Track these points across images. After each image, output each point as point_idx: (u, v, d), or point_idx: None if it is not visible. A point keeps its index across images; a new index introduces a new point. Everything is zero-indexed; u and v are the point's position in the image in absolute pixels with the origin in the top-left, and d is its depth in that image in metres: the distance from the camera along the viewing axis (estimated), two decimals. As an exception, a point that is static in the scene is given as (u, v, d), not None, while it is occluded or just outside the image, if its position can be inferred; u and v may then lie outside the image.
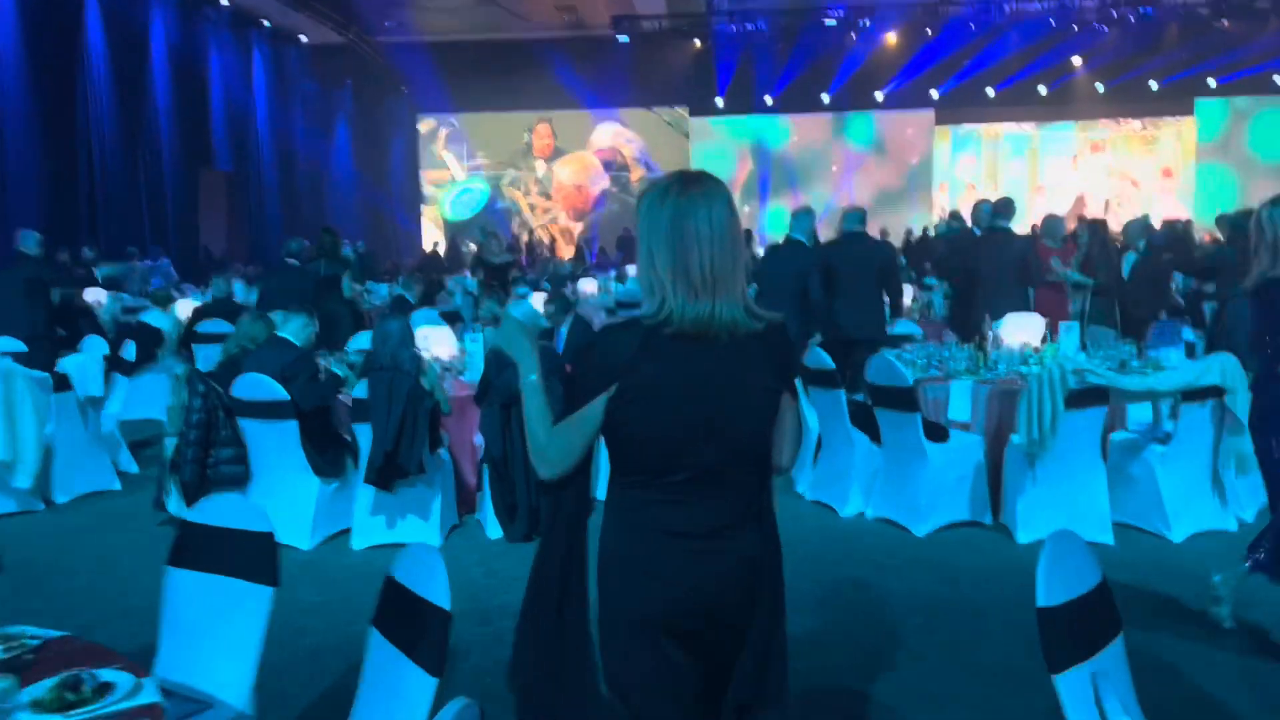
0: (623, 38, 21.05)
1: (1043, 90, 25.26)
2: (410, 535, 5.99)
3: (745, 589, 2.14)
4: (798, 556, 5.62)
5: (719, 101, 25.35)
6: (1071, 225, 12.54)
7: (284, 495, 6.05)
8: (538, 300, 10.43)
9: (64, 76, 15.04)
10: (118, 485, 7.49)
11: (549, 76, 23.40)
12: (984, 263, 7.97)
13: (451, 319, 10.84)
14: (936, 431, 6.03)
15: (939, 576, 5.30)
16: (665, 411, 2.05)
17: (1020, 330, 6.93)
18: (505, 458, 5.95)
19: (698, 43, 20.28)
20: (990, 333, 6.79)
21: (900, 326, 8.59)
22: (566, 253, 23.65)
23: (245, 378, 5.97)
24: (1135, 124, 26.06)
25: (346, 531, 6.10)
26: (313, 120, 22.47)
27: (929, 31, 19.44)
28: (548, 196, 26.69)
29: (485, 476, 6.11)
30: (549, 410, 2.13)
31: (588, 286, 13.83)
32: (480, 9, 20.98)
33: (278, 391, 5.88)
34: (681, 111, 25.89)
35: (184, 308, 11.67)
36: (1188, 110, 25.65)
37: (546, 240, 24.64)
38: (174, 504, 6.26)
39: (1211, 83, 24.82)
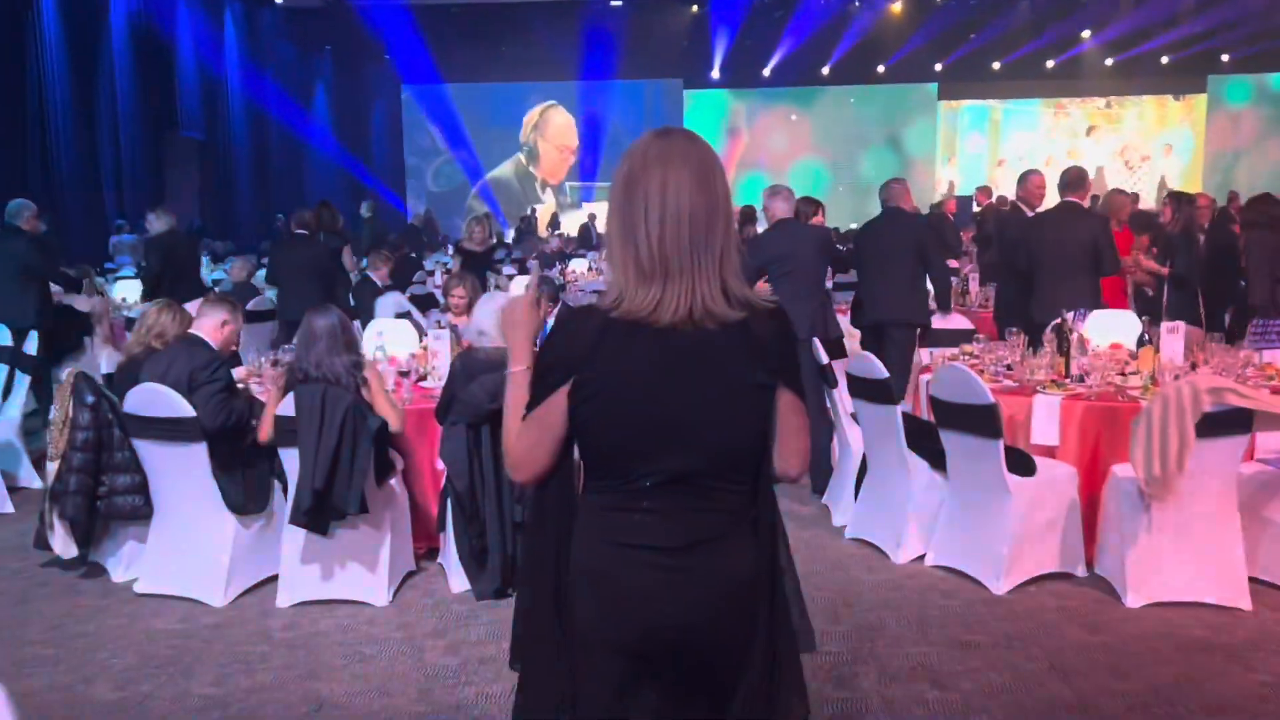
0: (616, 1, 19.43)
1: (1050, 64, 23.85)
2: (351, 589, 4.59)
3: (732, 617, 1.83)
4: (835, 617, 4.31)
5: (715, 74, 23.84)
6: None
7: (192, 537, 4.65)
8: (521, 285, 9.02)
9: (9, 32, 13.43)
10: (9, 507, 6.06)
11: (539, 44, 21.81)
12: (1047, 246, 6.55)
13: (428, 303, 9.41)
14: (1019, 460, 4.64)
15: (1032, 654, 3.92)
16: (624, 409, 1.78)
17: (1110, 330, 5.53)
18: (473, 491, 4.54)
19: (694, 8, 18.72)
20: (1068, 333, 5.38)
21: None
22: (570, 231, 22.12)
23: (139, 388, 4.54)
24: (1145, 99, 24.65)
25: (272, 582, 4.69)
26: (290, 87, 20.83)
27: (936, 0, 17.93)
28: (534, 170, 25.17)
29: (449, 513, 4.70)
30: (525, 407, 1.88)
31: (580, 267, 12.36)
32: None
33: (179, 405, 4.46)
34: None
35: (127, 289, 10.21)
36: (1200, 88, 24.26)
37: (546, 219, 23.01)
38: (60, 542, 4.85)
39: (1225, 58, 23.47)
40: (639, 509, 1.80)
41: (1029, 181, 7.07)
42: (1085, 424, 4.80)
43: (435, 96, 24.53)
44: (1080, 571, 4.70)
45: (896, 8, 20.36)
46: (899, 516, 5.00)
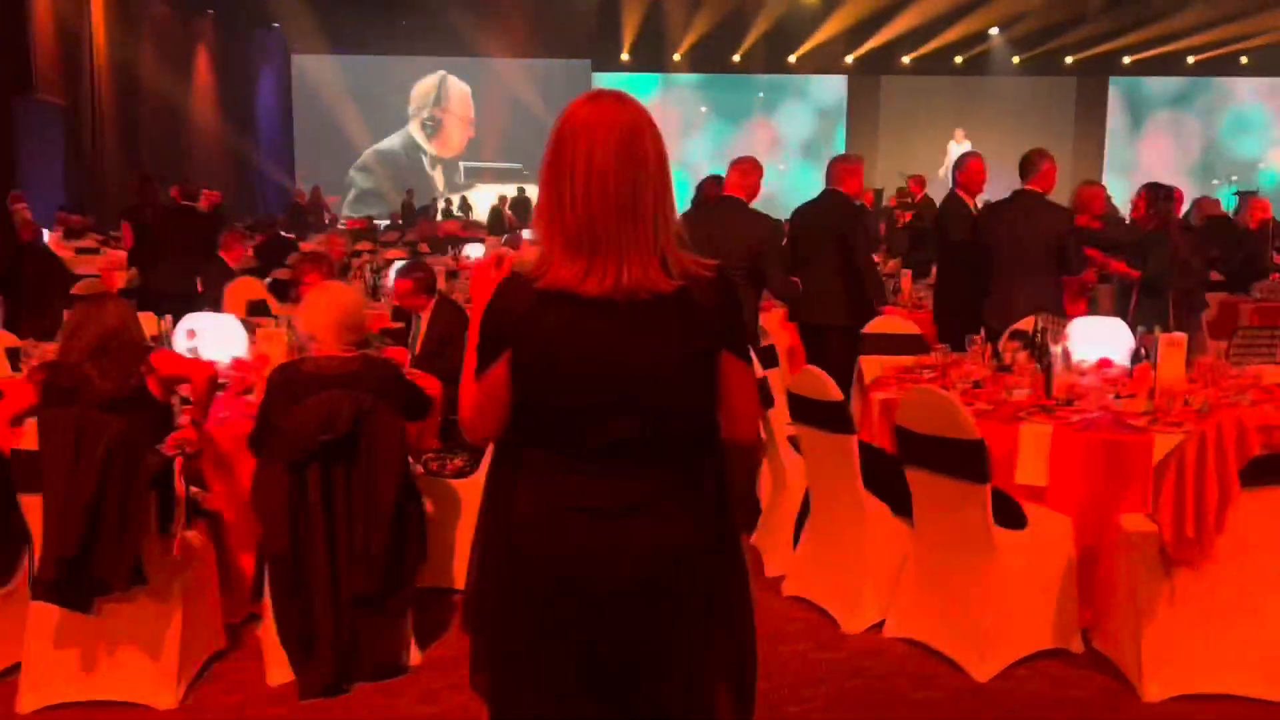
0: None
1: (959, 60, 23.29)
2: (125, 686, 3.31)
3: (669, 582, 1.75)
4: (773, 711, 3.16)
5: (625, 57, 22.64)
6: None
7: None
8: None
9: None
10: None
11: (439, 17, 20.28)
12: (1003, 241, 5.57)
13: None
14: (1007, 510, 3.60)
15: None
16: (559, 380, 1.71)
17: (1093, 341, 4.54)
18: (295, 555, 3.30)
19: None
20: (1049, 345, 4.36)
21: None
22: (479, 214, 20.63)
23: None
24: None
25: (14, 674, 3.36)
26: (166, 51, 18.90)
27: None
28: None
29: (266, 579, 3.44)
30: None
31: (477, 254, 11.03)
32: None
33: None
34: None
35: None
36: (1102, 88, 23.99)
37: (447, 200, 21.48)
38: None
39: (1126, 59, 23.22)
40: (579, 473, 1.76)
41: (967, 165, 6.07)
42: (1081, 461, 3.78)
43: (327, 68, 22.77)
44: (1076, 647, 3.67)
45: (810, -5, 19.47)
46: (852, 573, 3.91)
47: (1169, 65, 22.96)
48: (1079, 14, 20.78)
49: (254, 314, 6.72)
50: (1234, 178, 22.46)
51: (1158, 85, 23.97)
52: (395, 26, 20.94)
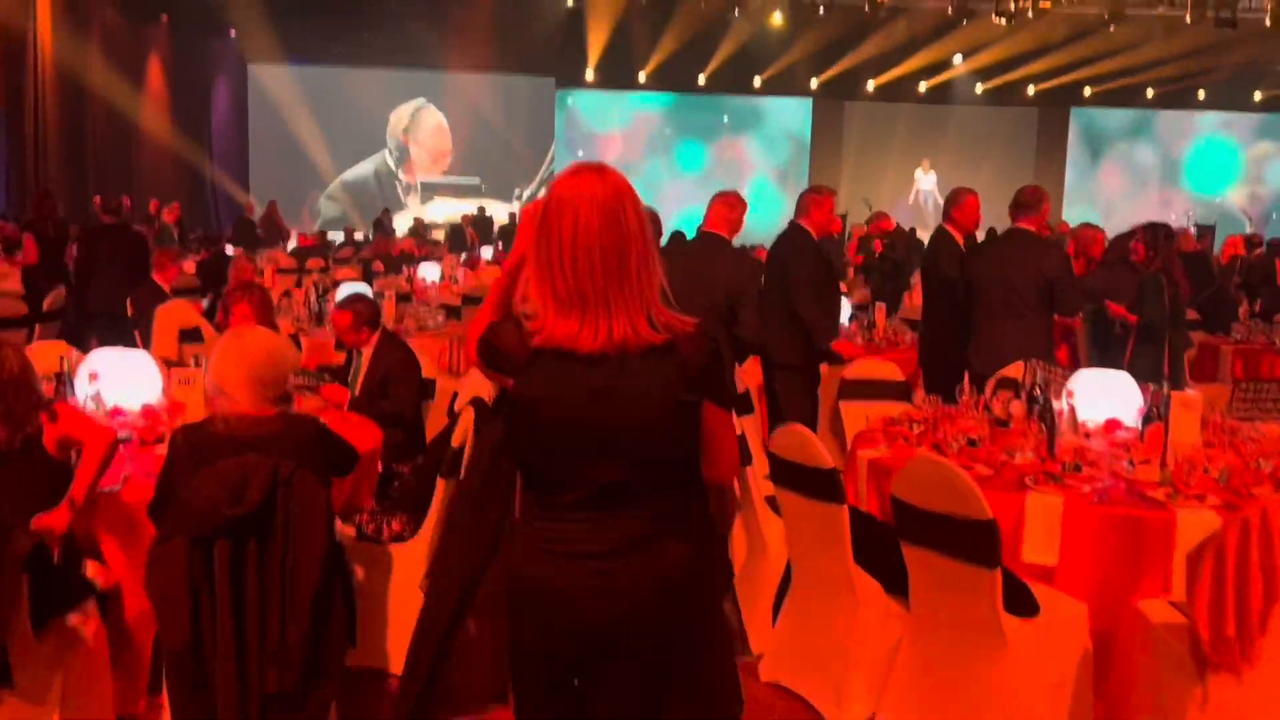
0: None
1: (923, 86, 23.15)
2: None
3: (663, 615, 1.86)
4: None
5: (589, 75, 22.23)
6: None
7: None
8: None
9: None
10: None
11: (402, 31, 19.76)
12: (993, 281, 5.19)
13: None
14: (1018, 595, 3.17)
15: None
16: (552, 430, 1.82)
17: (1095, 397, 4.13)
18: (197, 648, 2.77)
19: (570, 1, 17.06)
20: (1050, 400, 3.96)
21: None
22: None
23: None
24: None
25: None
26: (116, 58, 18.19)
27: (822, 8, 16.78)
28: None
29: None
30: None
31: (431, 275, 10.50)
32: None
33: None
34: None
35: None
36: (1063, 118, 24.00)
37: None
38: None
39: (1087, 90, 23.23)
40: (570, 518, 1.84)
41: (964, 202, 5.66)
42: (1095, 539, 3.37)
43: (286, 78, 22.13)
44: (1090, 748, 3.26)
45: (775, 19, 19.13)
46: (839, 659, 3.46)
47: (1129, 97, 23.01)
48: (1042, 44, 20.69)
49: (186, 341, 6.19)
50: (1190, 212, 22.51)
51: (1118, 117, 24.02)
52: (357, 38, 20.37)
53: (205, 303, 7.94)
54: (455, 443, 3.58)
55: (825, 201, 5.41)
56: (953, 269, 5.40)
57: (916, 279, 8.08)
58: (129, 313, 6.76)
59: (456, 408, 4.16)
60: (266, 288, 4.76)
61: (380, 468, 4.05)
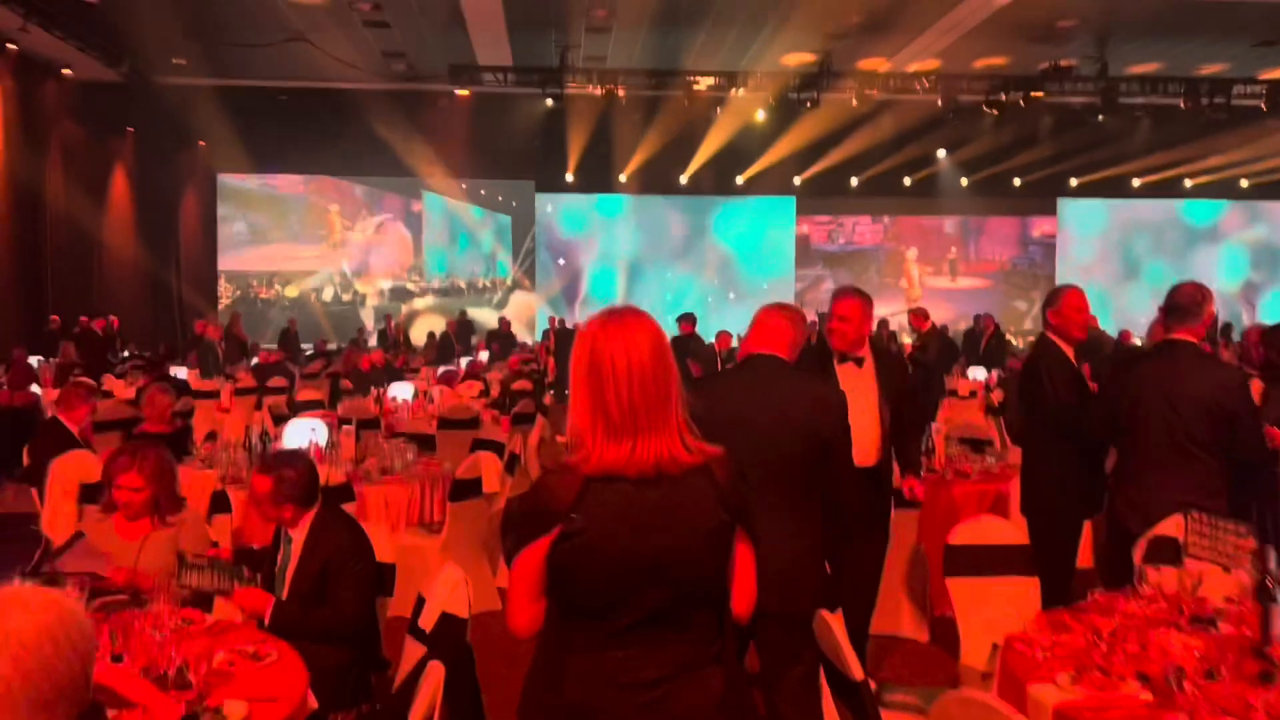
0: (462, 91, 16.66)
1: (907, 181, 22.42)
2: None
3: None
4: None
5: (569, 177, 21.34)
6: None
7: None
8: (298, 431, 5.85)
9: None
10: None
11: (376, 136, 18.84)
12: (1152, 411, 3.84)
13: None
14: None
15: None
16: (610, 555, 1.83)
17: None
18: None
19: (550, 102, 16.20)
20: (1270, 584, 2.65)
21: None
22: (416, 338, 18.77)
23: None
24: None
25: None
26: (78, 172, 17.12)
27: (809, 104, 15.97)
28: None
29: None
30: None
31: (403, 394, 9.19)
32: (292, 52, 16.33)
33: None
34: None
35: None
36: (1050, 209, 23.27)
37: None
38: None
39: (1073, 181, 22.56)
40: (623, 646, 1.84)
41: (1062, 302, 4.38)
42: None
43: (255, 188, 21.12)
44: None
45: (759, 117, 18.33)
46: None
47: (1115, 188, 22.38)
48: (1028, 136, 19.99)
49: (87, 500, 4.83)
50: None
51: (1108, 207, 23.33)
52: (330, 147, 19.44)
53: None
54: (421, 707, 2.23)
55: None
56: (1067, 390, 4.13)
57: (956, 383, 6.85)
58: (24, 462, 5.39)
59: (423, 623, 2.82)
60: (163, 450, 3.42)
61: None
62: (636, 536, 1.82)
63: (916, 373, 8.09)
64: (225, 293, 21.13)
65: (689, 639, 1.87)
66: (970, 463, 5.69)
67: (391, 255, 22.20)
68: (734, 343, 13.17)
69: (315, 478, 3.32)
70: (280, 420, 8.50)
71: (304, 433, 5.61)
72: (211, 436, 6.28)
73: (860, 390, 3.99)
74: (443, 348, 16.51)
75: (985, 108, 16.47)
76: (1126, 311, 20.92)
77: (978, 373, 12.11)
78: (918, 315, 8.57)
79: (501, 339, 18.14)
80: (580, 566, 1.82)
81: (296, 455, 3.42)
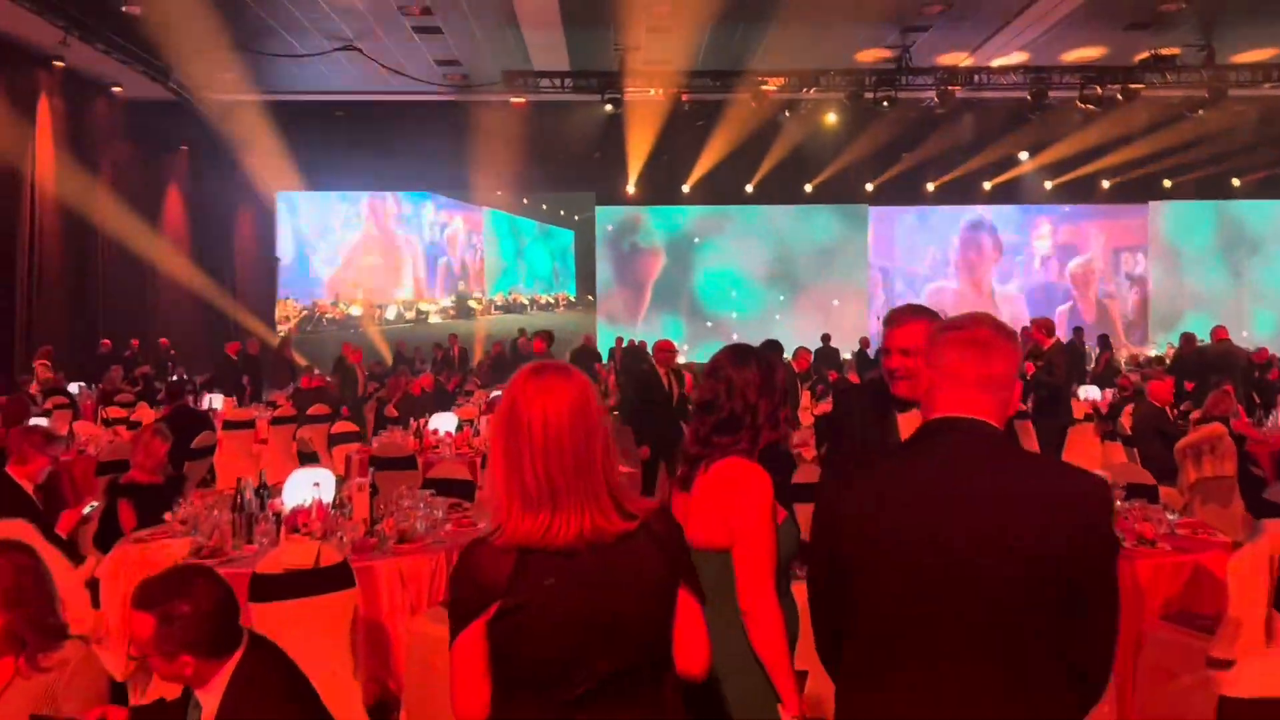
0: (517, 100, 15.60)
1: (987, 186, 20.84)
2: None
3: None
4: None
5: (630, 189, 20.20)
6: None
7: None
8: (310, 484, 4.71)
9: None
10: None
11: (434, 149, 17.91)
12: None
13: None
14: None
15: None
16: (554, 627, 1.68)
17: None
18: None
19: (609, 107, 15.07)
20: None
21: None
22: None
23: None
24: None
25: None
26: (130, 191, 16.44)
27: (886, 103, 14.58)
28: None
29: None
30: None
31: (445, 425, 8.05)
32: (344, 65, 15.46)
33: None
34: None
35: None
36: (1140, 214, 21.47)
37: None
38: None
39: (1166, 183, 20.77)
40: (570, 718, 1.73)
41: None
42: None
43: (316, 204, 20.36)
44: None
45: (830, 119, 16.98)
46: None
47: (1214, 188, 20.54)
48: (1118, 135, 18.29)
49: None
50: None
51: (1207, 209, 21.43)
52: (386, 163, 18.57)
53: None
54: None
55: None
56: None
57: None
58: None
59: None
60: (24, 557, 2.27)
61: None
62: (579, 605, 1.68)
63: (1042, 399, 6.70)
64: (290, 312, 20.36)
65: (642, 707, 1.73)
66: (1148, 522, 4.31)
67: (452, 272, 21.29)
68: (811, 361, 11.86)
69: (230, 610, 2.12)
70: (307, 459, 7.42)
71: (304, 488, 4.47)
72: (207, 482, 5.18)
73: None
74: (497, 369, 15.37)
75: (1080, 103, 14.91)
76: (1230, 323, 19.10)
77: (1089, 392, 10.60)
78: (1041, 327, 7.10)
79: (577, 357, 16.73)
80: (523, 642, 1.68)
81: (198, 577, 2.17)
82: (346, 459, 7.55)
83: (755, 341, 16.39)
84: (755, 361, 2.39)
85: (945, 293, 21.21)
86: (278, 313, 20.23)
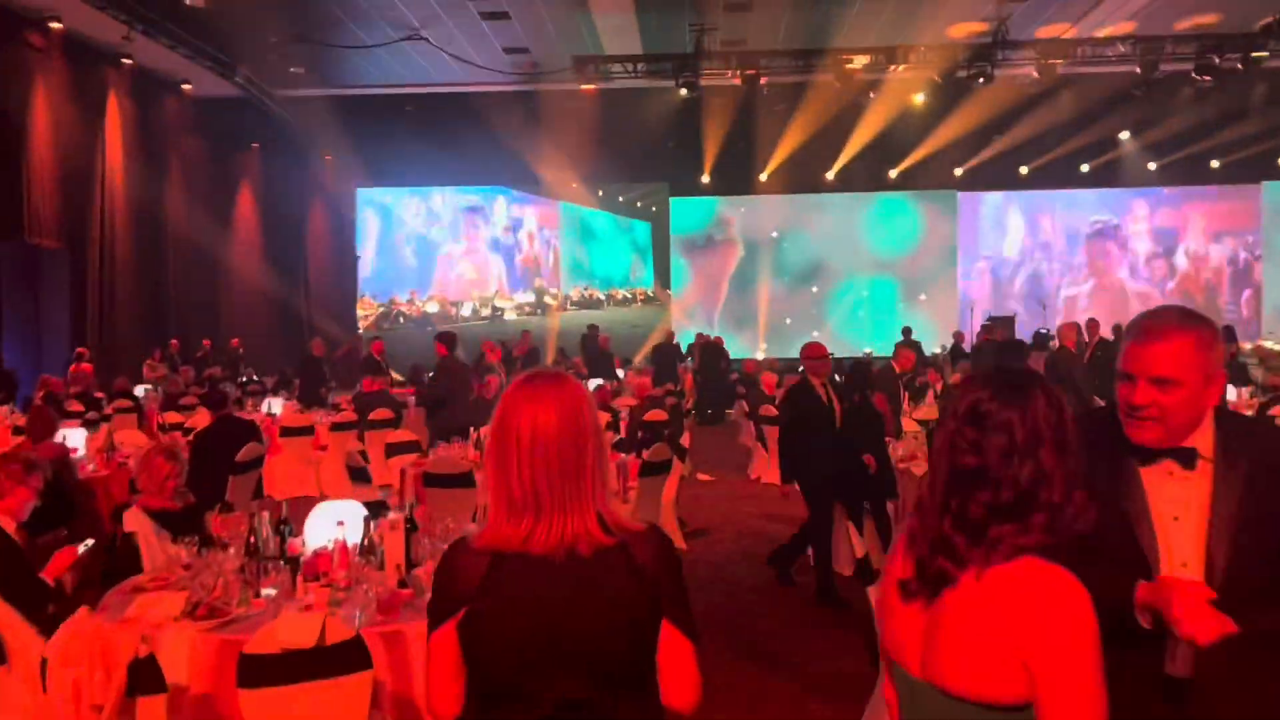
0: (587, 87, 14.75)
1: (1085, 168, 19.35)
2: None
3: None
4: None
5: (705, 179, 19.25)
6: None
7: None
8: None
9: None
10: None
11: (503, 143, 17.20)
12: None
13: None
14: None
15: None
16: (516, 637, 1.63)
17: None
18: None
19: (684, 92, 14.11)
20: None
21: None
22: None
23: None
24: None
25: None
26: (200, 189, 16.08)
27: (981, 79, 13.31)
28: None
29: None
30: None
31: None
32: (412, 58, 14.83)
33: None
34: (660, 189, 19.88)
35: None
36: (1253, 195, 19.74)
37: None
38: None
39: (1282, 161, 19.01)
40: None
41: None
42: None
43: (392, 203, 19.86)
44: None
45: (917, 101, 15.76)
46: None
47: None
48: (1228, 111, 16.67)
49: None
50: None
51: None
52: (458, 156, 17.93)
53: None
54: None
55: None
56: None
57: None
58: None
59: None
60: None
61: None
62: (543, 619, 1.60)
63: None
64: (368, 310, 19.90)
65: None
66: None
67: (528, 267, 20.62)
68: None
69: None
70: (357, 477, 6.68)
71: (328, 526, 3.67)
72: (227, 507, 4.43)
73: (1190, 518, 1.86)
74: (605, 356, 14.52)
75: (1195, 75, 13.48)
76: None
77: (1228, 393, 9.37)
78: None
79: (661, 355, 15.80)
80: (486, 649, 1.63)
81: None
82: (401, 473, 6.80)
83: (842, 339, 15.17)
84: (1042, 395, 1.52)
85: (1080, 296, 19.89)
86: (358, 311, 19.79)
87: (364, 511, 3.86)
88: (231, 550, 3.79)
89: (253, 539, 3.73)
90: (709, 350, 15.46)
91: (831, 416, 5.88)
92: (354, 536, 3.71)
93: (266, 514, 3.85)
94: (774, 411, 9.17)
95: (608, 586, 1.62)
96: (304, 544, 3.80)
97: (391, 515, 3.76)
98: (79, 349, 12.44)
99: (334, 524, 3.68)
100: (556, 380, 1.70)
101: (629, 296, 20.88)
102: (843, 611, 5.63)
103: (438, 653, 1.66)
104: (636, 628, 1.64)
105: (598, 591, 1.62)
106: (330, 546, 3.64)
